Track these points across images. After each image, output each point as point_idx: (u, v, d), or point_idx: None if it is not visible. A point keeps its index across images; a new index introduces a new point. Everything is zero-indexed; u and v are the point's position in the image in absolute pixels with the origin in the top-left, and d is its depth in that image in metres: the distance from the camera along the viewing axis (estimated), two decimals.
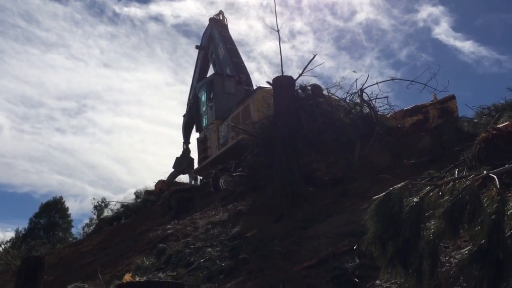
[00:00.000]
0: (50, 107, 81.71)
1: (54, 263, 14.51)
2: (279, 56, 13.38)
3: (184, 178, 23.70)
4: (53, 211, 40.60)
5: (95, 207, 33.89)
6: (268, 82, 13.04)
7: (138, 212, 19.78)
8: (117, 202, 23.22)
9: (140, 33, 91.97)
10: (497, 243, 2.74)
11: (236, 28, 62.36)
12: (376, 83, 12.73)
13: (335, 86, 13.17)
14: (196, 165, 22.46)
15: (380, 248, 3.09)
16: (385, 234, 3.06)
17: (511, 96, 11.53)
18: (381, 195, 3.18)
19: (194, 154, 23.12)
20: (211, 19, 24.84)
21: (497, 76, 73.27)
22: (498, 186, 2.93)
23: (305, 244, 7.56)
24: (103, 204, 33.39)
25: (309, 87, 12.79)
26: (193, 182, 21.94)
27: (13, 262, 14.54)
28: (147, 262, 9.49)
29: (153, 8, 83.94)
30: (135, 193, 25.27)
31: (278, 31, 13.36)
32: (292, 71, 60.59)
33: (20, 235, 38.43)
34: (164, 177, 23.00)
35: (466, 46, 76.82)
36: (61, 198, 42.09)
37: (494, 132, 7.23)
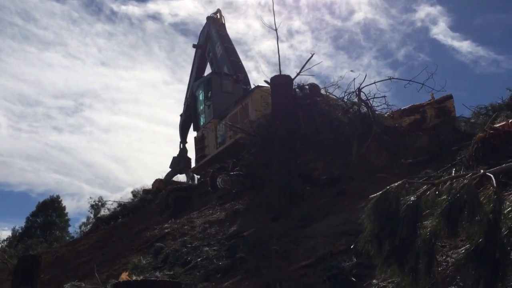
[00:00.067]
0: (47, 105, 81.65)
1: (51, 262, 14.50)
2: (277, 55, 13.44)
3: (181, 177, 23.71)
4: (50, 210, 40.61)
5: (92, 206, 33.89)
6: (266, 81, 13.03)
7: (135, 211, 19.77)
8: (114, 201, 23.23)
9: (138, 31, 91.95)
10: (493, 243, 2.74)
11: (234, 27, 62.48)
12: (374, 83, 12.75)
13: (333, 85, 13.16)
14: (193, 164, 22.44)
15: (377, 246, 3.09)
16: (382, 233, 3.06)
17: (508, 96, 11.57)
18: (378, 194, 3.18)
19: (191, 153, 23.13)
20: (208, 18, 24.81)
21: (495, 76, 73.51)
22: (495, 185, 2.94)
23: (302, 243, 7.56)
24: (100, 204, 33.39)
25: (307, 86, 12.79)
26: (190, 182, 21.92)
27: (10, 261, 14.53)
28: (144, 261, 9.48)
29: (151, 7, 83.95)
30: (132, 192, 25.26)
31: (276, 30, 13.34)
32: (290, 70, 60.74)
33: (17, 234, 38.44)
34: (162, 176, 22.99)
35: (464, 46, 77.06)
36: (58, 197, 42.17)
37: (491, 131, 7.25)
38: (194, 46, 25.64)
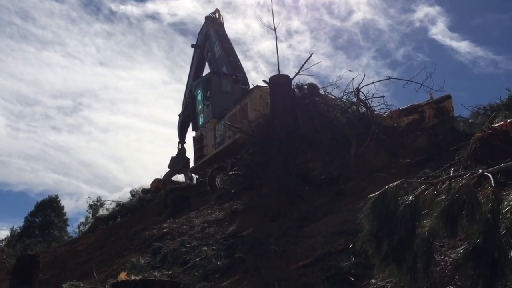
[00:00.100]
0: (45, 105, 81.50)
1: (49, 262, 14.48)
2: (276, 55, 13.37)
3: (180, 177, 23.68)
4: (48, 210, 40.54)
5: (90, 206, 33.85)
6: (264, 81, 13.03)
7: (133, 211, 19.74)
8: (113, 201, 23.16)
9: (137, 31, 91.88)
10: (492, 242, 2.74)
11: (233, 27, 62.46)
12: (373, 83, 12.77)
13: (331, 85, 13.16)
14: (192, 164, 22.41)
15: (375, 246, 3.09)
16: (380, 233, 3.06)
17: (506, 96, 11.60)
18: (376, 193, 3.19)
19: (190, 153, 23.10)
20: (207, 17, 24.76)
21: (493, 76, 73.63)
22: (493, 185, 2.94)
23: (301, 243, 7.56)
24: (98, 203, 33.36)
25: (306, 86, 12.80)
26: (188, 182, 21.89)
27: (8, 261, 14.50)
28: (142, 261, 9.48)
29: (150, 7, 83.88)
30: (130, 192, 25.20)
31: (275, 30, 13.34)
32: (289, 70, 60.68)
33: (16, 233, 38.38)
34: (160, 176, 22.96)
35: (462, 46, 77.14)
36: (56, 196, 42.08)
37: (490, 131, 7.26)
38: (192, 46, 25.60)
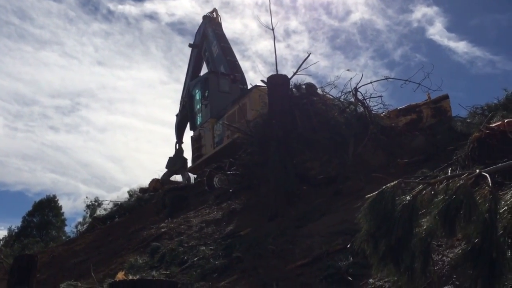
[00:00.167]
0: (43, 105, 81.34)
1: (47, 262, 14.45)
2: (274, 55, 13.37)
3: (179, 177, 23.64)
4: (46, 210, 40.47)
5: (88, 206, 33.78)
6: (262, 81, 13.04)
7: (131, 211, 19.72)
8: (110, 201, 23.12)
9: (135, 31, 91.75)
10: (490, 242, 2.75)
11: (231, 26, 62.50)
12: (370, 82, 12.81)
13: (329, 85, 13.20)
14: (190, 164, 22.39)
15: (373, 246, 3.09)
16: (378, 232, 3.07)
17: (503, 96, 11.64)
18: (374, 193, 3.19)
19: (188, 153, 23.08)
20: (204, 17, 24.74)
21: (490, 77, 73.81)
22: (490, 185, 2.95)
23: (299, 243, 7.57)
24: (96, 203, 33.30)
25: (304, 86, 12.81)
26: (186, 182, 21.85)
27: (6, 261, 14.47)
28: (140, 261, 9.47)
29: (148, 6, 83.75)
30: (128, 192, 25.18)
31: (273, 29, 13.36)
32: (287, 70, 60.66)
33: (13, 233, 38.32)
34: (158, 175, 22.94)
35: (460, 46, 77.30)
36: (54, 196, 42.01)
37: (487, 131, 7.28)
38: (190, 45, 25.58)
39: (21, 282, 5.80)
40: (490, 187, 2.92)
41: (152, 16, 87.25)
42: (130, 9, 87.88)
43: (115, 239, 14.37)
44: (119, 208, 21.00)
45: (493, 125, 7.72)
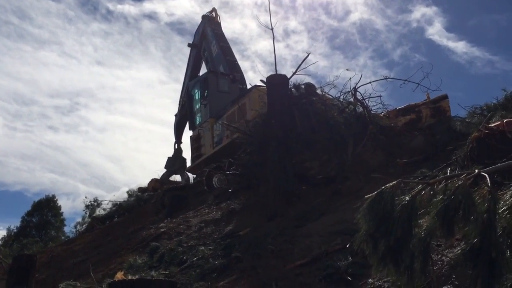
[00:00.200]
0: (42, 104, 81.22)
1: (46, 262, 14.44)
2: (273, 55, 13.37)
3: (178, 177, 23.61)
4: (45, 210, 40.40)
5: (87, 206, 33.70)
6: (262, 81, 13.03)
7: (131, 211, 19.71)
8: (110, 201, 23.05)
9: (134, 31, 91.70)
10: (489, 242, 2.75)
11: (231, 26, 62.43)
12: (370, 82, 12.81)
13: (328, 85, 13.21)
14: (189, 163, 22.37)
15: (372, 246, 3.10)
16: (377, 233, 3.07)
17: (503, 96, 11.65)
18: (373, 194, 3.19)
19: (186, 153, 23.06)
20: (203, 16, 24.70)
21: (490, 77, 73.85)
22: (489, 185, 2.95)
23: (298, 243, 7.57)
24: (95, 203, 33.22)
25: (303, 86, 12.81)
26: (185, 182, 21.82)
27: (5, 260, 14.44)
28: (139, 261, 9.46)
29: (147, 6, 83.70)
30: (127, 192, 25.14)
31: (272, 30, 13.36)
32: (286, 70, 60.82)
33: (12, 233, 38.25)
34: (158, 175, 22.91)
35: (459, 46, 77.35)
36: (53, 196, 41.94)
37: (486, 131, 7.28)
38: (189, 45, 25.54)
39: (20, 282, 5.79)
40: (489, 187, 2.93)
41: (151, 16, 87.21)
42: (129, 9, 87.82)
43: (114, 239, 14.36)
44: (118, 208, 20.98)
45: (492, 125, 7.73)
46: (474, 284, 2.80)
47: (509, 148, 6.64)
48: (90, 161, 73.98)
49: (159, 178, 22.57)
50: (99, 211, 26.25)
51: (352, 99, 12.67)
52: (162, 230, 11.72)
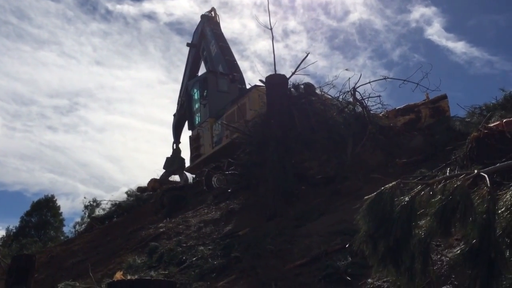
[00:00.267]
0: (41, 104, 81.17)
1: (45, 262, 14.43)
2: (272, 55, 13.38)
3: (177, 176, 23.58)
4: (44, 210, 40.39)
5: (86, 206, 33.66)
6: (261, 81, 13.03)
7: (130, 211, 19.70)
8: (109, 201, 23.03)
9: (133, 31, 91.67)
10: (488, 242, 2.75)
11: (230, 26, 62.14)
12: (369, 82, 12.82)
13: (328, 85, 13.23)
14: (188, 163, 22.34)
15: (372, 247, 3.10)
16: (376, 233, 3.07)
17: (502, 96, 11.66)
18: (372, 194, 3.19)
19: (186, 153, 23.02)
20: (202, 16, 24.66)
21: (489, 77, 73.91)
22: (488, 185, 2.95)
23: (297, 243, 7.57)
24: (94, 203, 33.18)
25: (302, 86, 12.81)
26: (183, 183, 21.80)
27: (4, 260, 14.43)
28: (138, 261, 9.45)
29: (146, 6, 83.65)
30: (126, 192, 25.12)
31: (271, 30, 13.35)
32: (285, 70, 60.74)
33: (11, 233, 38.22)
34: (157, 175, 22.88)
35: (458, 46, 77.42)
36: (52, 196, 41.93)
37: (486, 131, 7.29)
38: (188, 44, 25.50)
39: (19, 282, 5.80)
40: (488, 188, 2.93)
41: (150, 16, 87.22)
42: (129, 9, 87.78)
43: (113, 239, 14.35)
44: (118, 208, 20.97)
45: (492, 125, 7.73)
46: (473, 284, 2.80)
47: (509, 148, 6.64)
48: (89, 161, 74.01)
49: (158, 178, 22.55)
50: (98, 211, 26.24)
51: (351, 99, 12.68)
52: (161, 230, 11.71)
